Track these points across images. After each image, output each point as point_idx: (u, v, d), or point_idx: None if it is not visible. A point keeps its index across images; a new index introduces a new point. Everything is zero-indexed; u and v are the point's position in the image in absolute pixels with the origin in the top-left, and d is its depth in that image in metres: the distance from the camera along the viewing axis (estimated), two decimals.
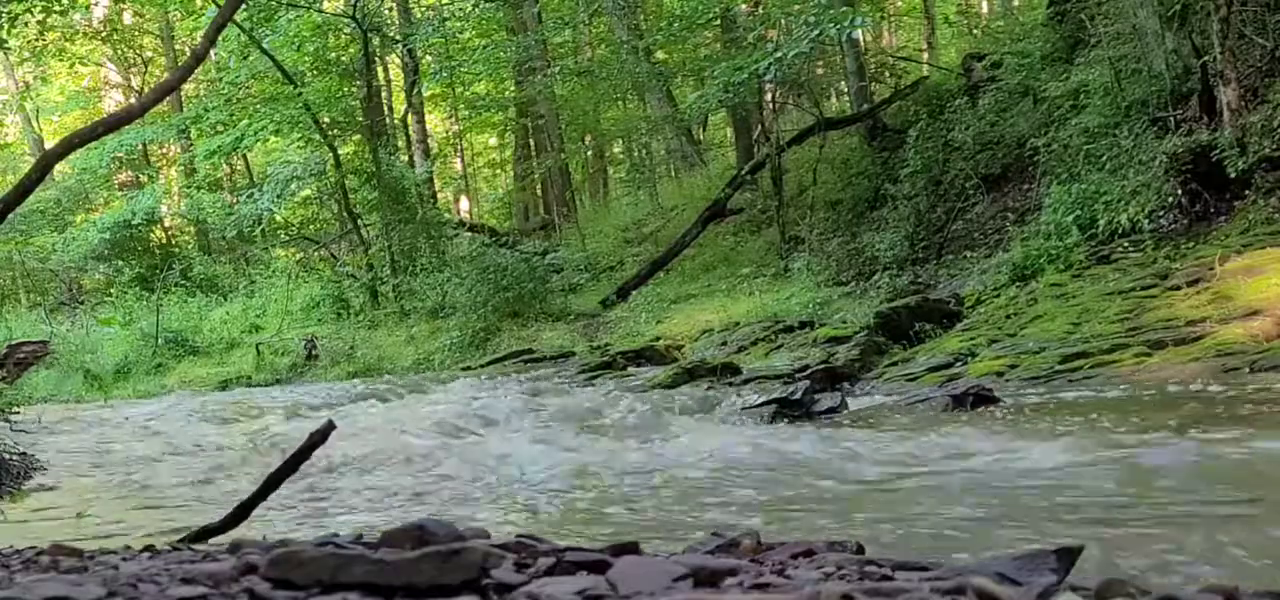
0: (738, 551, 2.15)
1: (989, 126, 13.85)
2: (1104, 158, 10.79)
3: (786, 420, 6.85)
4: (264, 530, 3.82)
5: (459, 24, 22.18)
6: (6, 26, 11.61)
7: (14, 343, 17.05)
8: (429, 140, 24.42)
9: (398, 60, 23.91)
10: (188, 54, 16.17)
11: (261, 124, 19.97)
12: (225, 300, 21.04)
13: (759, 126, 19.58)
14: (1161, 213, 9.64)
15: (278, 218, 22.98)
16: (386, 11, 22.07)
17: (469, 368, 13.72)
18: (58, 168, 16.84)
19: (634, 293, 16.42)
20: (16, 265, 24.23)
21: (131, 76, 27.13)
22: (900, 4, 24.39)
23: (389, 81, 24.83)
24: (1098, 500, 3.77)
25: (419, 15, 23.02)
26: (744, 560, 1.94)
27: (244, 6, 16.22)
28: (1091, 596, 1.47)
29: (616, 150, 27.57)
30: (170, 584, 1.61)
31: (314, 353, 16.29)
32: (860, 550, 2.30)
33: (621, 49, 21.08)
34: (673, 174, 23.54)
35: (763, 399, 7.31)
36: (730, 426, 6.72)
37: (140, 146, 25.31)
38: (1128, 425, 5.18)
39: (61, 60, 25.71)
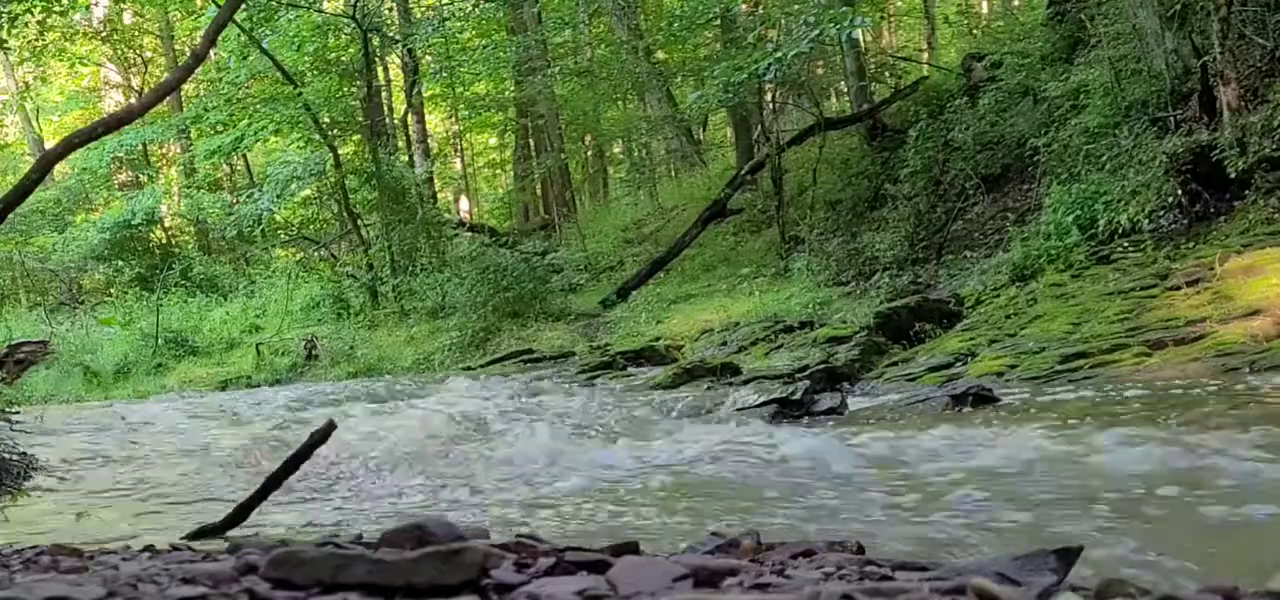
0: (738, 551, 2.15)
1: (989, 126, 13.85)
2: (1104, 158, 10.80)
3: (786, 420, 6.85)
4: (264, 530, 3.82)
5: (459, 24, 22.19)
6: (6, 26, 11.63)
7: (14, 343, 17.07)
8: (429, 140, 24.42)
9: (398, 60, 23.90)
10: (188, 54, 16.17)
11: (261, 124, 19.97)
12: (225, 300, 21.03)
13: (759, 126, 19.58)
14: (1161, 213, 9.64)
15: (278, 218, 22.97)
16: (386, 11, 22.07)
17: (469, 368, 13.71)
18: (58, 168, 16.85)
19: (634, 293, 16.42)
20: (16, 265, 24.21)
21: (131, 76, 27.10)
22: (900, 4, 24.41)
23: (389, 81, 24.83)
24: (1097, 500, 3.77)
25: (419, 15, 23.01)
26: (744, 560, 1.94)
27: (244, 6, 16.23)
28: (1091, 596, 1.47)
29: (616, 150, 27.58)
30: (170, 584, 1.62)
31: (314, 353, 16.28)
32: (860, 550, 2.30)
33: (621, 49, 21.09)
34: (673, 174, 23.56)
35: (763, 399, 7.30)
36: (730, 427, 6.71)
37: (140, 146, 25.29)
38: (1127, 425, 5.18)
39: (61, 60, 25.69)
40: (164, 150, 27.79)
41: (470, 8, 22.28)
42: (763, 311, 13.01)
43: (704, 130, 24.61)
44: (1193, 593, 1.44)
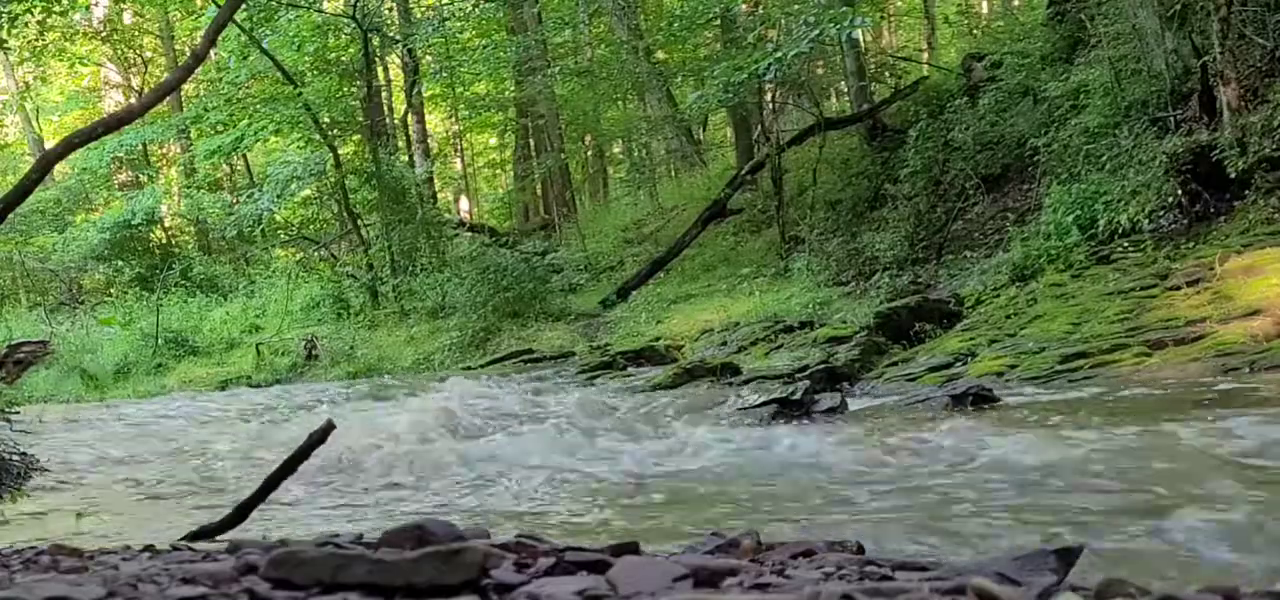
0: (738, 551, 2.15)
1: (989, 126, 13.85)
2: (1104, 158, 10.80)
3: (786, 420, 6.84)
4: (264, 530, 3.82)
5: (459, 24, 22.19)
6: (6, 26, 11.63)
7: (14, 343, 17.06)
8: (429, 140, 24.41)
9: (398, 60, 23.90)
10: (188, 54, 16.17)
11: (261, 124, 19.98)
12: (225, 300, 21.03)
13: (759, 126, 19.58)
14: (1161, 213, 9.64)
15: (278, 218, 22.97)
16: (386, 11, 22.07)
17: (469, 368, 13.71)
18: (58, 168, 16.84)
19: (634, 293, 16.42)
20: (16, 265, 24.21)
21: (131, 76, 27.10)
22: (900, 4, 24.41)
23: (389, 81, 24.83)
24: (1098, 500, 3.77)
25: (419, 15, 23.01)
26: (744, 560, 1.94)
27: (244, 6, 16.22)
28: (1091, 596, 1.47)
29: (616, 150, 27.59)
30: (170, 584, 1.62)
31: (314, 353, 16.28)
32: (860, 550, 2.30)
33: (621, 49, 21.09)
34: (673, 174, 23.56)
35: (763, 399, 7.30)
36: (730, 427, 6.71)
37: (140, 146, 25.29)
38: (1128, 425, 5.18)
39: (61, 60, 25.68)
40: (164, 150, 27.79)
41: (470, 8, 22.28)
42: (763, 311, 13.01)
43: (704, 130, 24.61)
44: (1193, 593, 1.44)
